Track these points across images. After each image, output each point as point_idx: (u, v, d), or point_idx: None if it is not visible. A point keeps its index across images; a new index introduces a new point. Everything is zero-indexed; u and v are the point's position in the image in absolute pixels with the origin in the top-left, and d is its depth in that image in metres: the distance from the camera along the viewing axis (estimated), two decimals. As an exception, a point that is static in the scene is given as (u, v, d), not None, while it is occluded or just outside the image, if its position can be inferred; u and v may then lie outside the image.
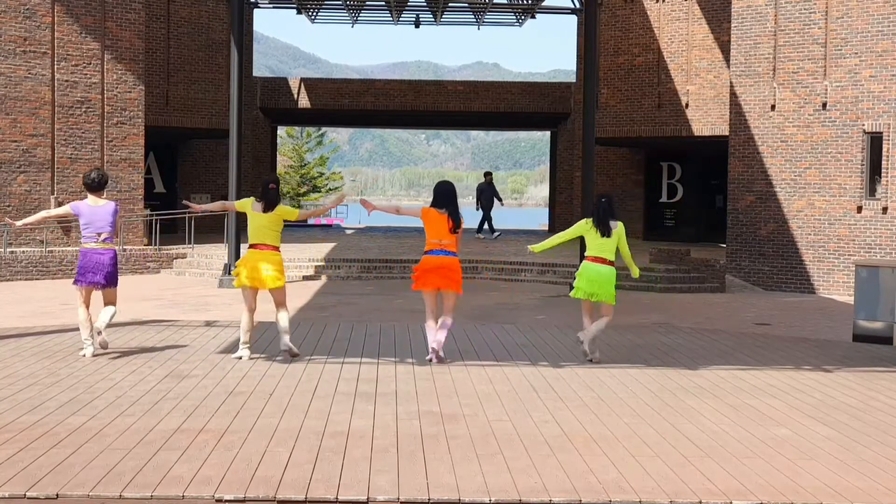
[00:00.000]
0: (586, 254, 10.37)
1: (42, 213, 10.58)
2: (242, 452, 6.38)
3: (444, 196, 10.03)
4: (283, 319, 10.05)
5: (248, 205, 10.10)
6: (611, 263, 10.24)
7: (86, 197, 10.14)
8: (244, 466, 6.06)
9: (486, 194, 28.17)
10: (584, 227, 10.37)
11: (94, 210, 10.01)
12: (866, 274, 12.68)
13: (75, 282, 10.08)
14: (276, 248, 10.08)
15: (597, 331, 10.26)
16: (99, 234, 9.97)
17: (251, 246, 10.05)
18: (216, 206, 11.30)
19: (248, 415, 7.47)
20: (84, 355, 9.95)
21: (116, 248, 10.29)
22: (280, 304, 10.17)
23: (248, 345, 10.04)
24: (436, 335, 9.94)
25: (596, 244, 10.25)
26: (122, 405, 7.72)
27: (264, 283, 9.94)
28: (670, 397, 8.48)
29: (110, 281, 10.05)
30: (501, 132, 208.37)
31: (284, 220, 10.18)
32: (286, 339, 10.04)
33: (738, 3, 20.16)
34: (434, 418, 7.46)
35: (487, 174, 29.26)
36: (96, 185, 10.09)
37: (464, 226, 10.11)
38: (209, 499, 5.49)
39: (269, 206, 10.01)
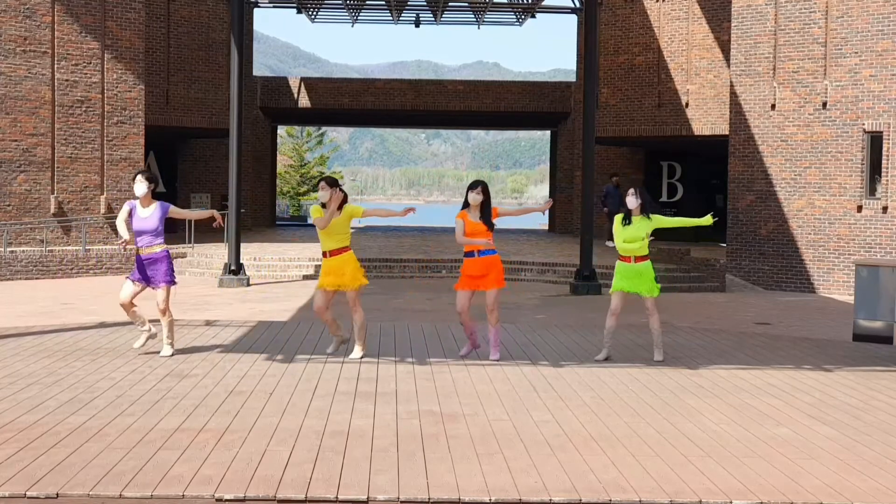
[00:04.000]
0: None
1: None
2: (242, 452, 6.38)
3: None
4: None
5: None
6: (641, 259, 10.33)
7: (134, 198, 10.23)
8: (244, 466, 6.06)
9: (614, 198, 24.07)
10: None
11: None
12: (866, 273, 12.67)
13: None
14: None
15: (657, 334, 10.46)
16: None
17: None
18: None
19: (248, 414, 7.47)
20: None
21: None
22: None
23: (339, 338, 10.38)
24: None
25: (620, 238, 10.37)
26: (122, 404, 7.72)
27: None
28: (670, 397, 8.48)
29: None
30: (501, 132, 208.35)
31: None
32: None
33: (738, 3, 20.14)
34: (434, 418, 7.46)
35: (615, 175, 26.65)
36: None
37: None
38: (209, 498, 5.49)
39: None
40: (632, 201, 10.24)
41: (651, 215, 10.28)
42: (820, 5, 19.02)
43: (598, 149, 25.69)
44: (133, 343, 10.39)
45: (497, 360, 10.04)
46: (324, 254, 10.10)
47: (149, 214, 10.00)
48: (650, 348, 11.20)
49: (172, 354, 10.05)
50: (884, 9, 18.30)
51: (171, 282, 10.07)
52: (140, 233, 9.99)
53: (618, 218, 10.41)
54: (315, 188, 60.25)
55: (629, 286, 10.24)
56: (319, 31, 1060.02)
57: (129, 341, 11.01)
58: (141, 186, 9.96)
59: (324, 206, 9.94)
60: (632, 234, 10.21)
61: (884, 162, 18.34)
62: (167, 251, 10.12)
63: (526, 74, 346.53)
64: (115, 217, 21.85)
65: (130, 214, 10.06)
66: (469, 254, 10.04)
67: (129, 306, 10.06)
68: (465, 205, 10.04)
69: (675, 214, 29.25)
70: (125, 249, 10.24)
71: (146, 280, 10.02)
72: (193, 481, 5.72)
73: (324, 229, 9.90)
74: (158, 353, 10.10)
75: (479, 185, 10.02)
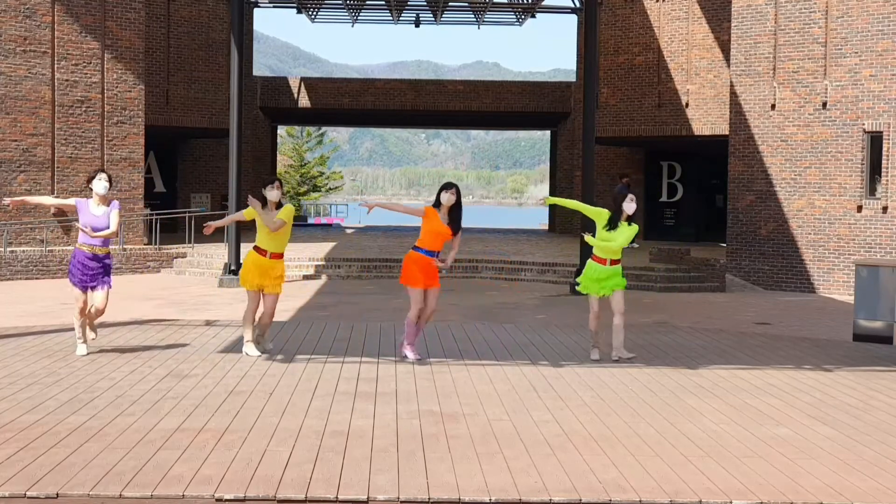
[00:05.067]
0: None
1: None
2: (242, 452, 6.38)
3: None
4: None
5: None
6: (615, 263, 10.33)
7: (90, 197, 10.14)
8: (244, 466, 6.06)
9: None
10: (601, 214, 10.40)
11: None
12: (866, 273, 12.67)
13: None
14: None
15: (619, 334, 10.37)
16: None
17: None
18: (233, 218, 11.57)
19: (248, 414, 7.47)
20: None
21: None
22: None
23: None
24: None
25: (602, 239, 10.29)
26: (123, 404, 7.72)
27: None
28: (670, 397, 8.48)
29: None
30: (501, 132, 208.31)
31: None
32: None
33: (738, 3, 20.14)
34: (434, 418, 7.46)
35: (624, 176, 25.86)
36: None
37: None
38: (209, 498, 5.49)
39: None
40: (632, 207, 10.25)
41: (632, 223, 10.33)
42: (820, 5, 19.02)
43: (598, 149, 25.67)
44: (74, 349, 10.22)
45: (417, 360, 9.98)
46: (262, 251, 10.14)
47: (102, 213, 9.98)
48: (650, 348, 11.21)
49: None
50: (884, 9, 18.30)
51: (111, 283, 10.18)
52: (91, 229, 9.93)
53: (602, 217, 10.35)
54: (315, 188, 60.24)
55: (598, 289, 10.25)
56: (319, 31, 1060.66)
57: (129, 341, 11.03)
58: (103, 185, 9.95)
59: (265, 205, 10.15)
60: (620, 239, 10.19)
61: (884, 162, 18.34)
62: (110, 253, 10.25)
63: (526, 74, 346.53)
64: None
65: (77, 210, 10.04)
66: (429, 252, 9.94)
67: (84, 313, 10.00)
68: (437, 204, 10.03)
69: (675, 214, 29.29)
70: (10, 205, 10.31)
71: (88, 282, 9.95)
72: (193, 481, 5.72)
73: (276, 230, 10.04)
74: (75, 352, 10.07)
75: (454, 187, 9.99)
